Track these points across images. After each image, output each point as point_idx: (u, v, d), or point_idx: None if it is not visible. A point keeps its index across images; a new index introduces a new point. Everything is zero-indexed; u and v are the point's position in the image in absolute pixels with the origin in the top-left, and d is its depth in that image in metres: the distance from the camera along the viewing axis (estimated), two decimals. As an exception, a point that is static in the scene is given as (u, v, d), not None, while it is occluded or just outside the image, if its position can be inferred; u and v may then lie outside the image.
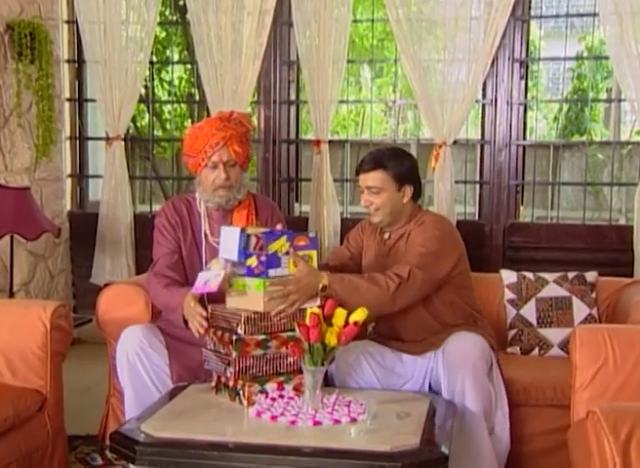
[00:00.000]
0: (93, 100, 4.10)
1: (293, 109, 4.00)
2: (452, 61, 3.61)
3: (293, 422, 1.81)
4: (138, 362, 2.22)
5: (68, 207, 4.20)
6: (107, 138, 3.96)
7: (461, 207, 3.97)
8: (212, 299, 2.14)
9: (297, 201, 4.07)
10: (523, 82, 3.72)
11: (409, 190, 2.31)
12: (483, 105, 3.78)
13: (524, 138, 3.80)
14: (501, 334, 2.64)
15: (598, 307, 2.69)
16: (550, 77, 8.21)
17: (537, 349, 2.66)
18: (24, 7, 3.75)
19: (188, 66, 5.83)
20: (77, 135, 4.22)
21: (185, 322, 2.18)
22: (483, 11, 3.57)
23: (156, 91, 4.99)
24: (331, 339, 1.88)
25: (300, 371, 1.95)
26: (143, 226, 3.91)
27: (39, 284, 3.91)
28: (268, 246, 1.99)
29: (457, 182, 3.73)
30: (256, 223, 2.40)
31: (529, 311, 2.69)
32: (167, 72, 5.27)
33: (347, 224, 3.63)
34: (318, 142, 3.74)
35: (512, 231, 3.72)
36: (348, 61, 3.90)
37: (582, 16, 4.66)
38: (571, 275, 2.73)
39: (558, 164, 5.22)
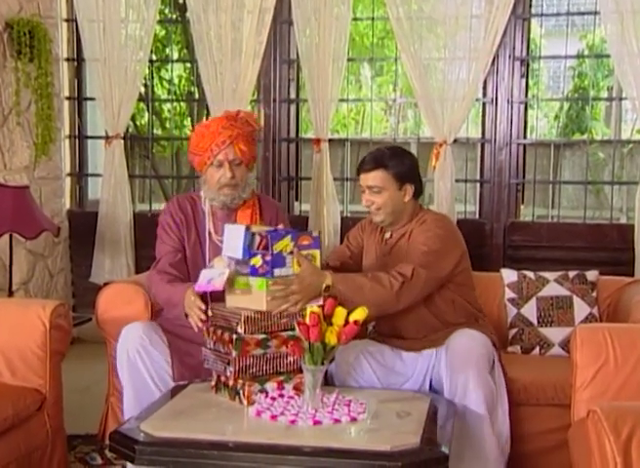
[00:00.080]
0: (92, 99, 4.09)
1: (293, 108, 3.99)
2: (452, 60, 3.60)
3: (293, 422, 1.80)
4: (138, 359, 2.21)
5: (68, 205, 4.19)
6: (107, 137, 3.95)
7: (462, 206, 3.96)
8: (214, 297, 2.14)
9: (297, 200, 4.07)
10: (524, 80, 3.72)
11: (410, 189, 2.31)
12: (483, 104, 3.77)
13: (524, 137, 3.80)
14: (502, 334, 2.64)
15: (599, 306, 2.69)
16: (551, 75, 8.21)
17: (537, 348, 2.66)
18: (24, 5, 3.75)
19: (188, 65, 5.83)
20: (76, 133, 4.21)
21: (187, 316, 2.18)
22: (484, 9, 3.56)
23: (156, 89, 4.99)
24: (331, 338, 1.88)
25: (300, 371, 1.95)
26: (143, 225, 3.92)
27: (38, 283, 3.91)
28: (274, 245, 1.99)
29: (457, 181, 3.72)
30: (260, 223, 2.39)
31: (529, 310, 2.69)
32: (166, 71, 5.27)
33: (347, 223, 3.62)
34: (318, 141, 3.73)
35: (513, 230, 3.72)
36: (348, 60, 3.89)
37: (583, 14, 4.66)
38: (571, 274, 2.73)
39: (559, 162, 5.22)
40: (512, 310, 2.72)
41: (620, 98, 4.26)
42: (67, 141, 4.18)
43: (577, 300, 2.67)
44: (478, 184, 3.90)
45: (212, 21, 3.75)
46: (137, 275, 3.37)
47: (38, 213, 3.46)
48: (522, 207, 3.92)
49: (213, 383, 2.06)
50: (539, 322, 2.67)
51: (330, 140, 3.79)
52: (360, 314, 1.91)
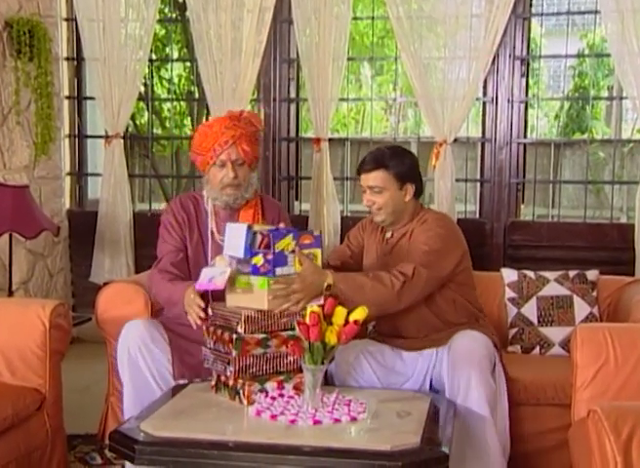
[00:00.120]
0: (92, 98, 4.09)
1: (293, 107, 3.99)
2: (452, 59, 3.60)
3: (293, 421, 1.80)
4: (139, 356, 2.21)
5: (67, 205, 4.19)
6: (106, 136, 3.95)
7: (462, 205, 3.96)
8: (215, 296, 2.14)
9: (296, 199, 4.07)
10: (524, 80, 3.71)
11: (411, 188, 2.31)
12: (484, 103, 3.77)
13: (525, 136, 3.79)
14: (502, 333, 2.64)
15: (599, 306, 2.69)
16: (551, 75, 8.20)
17: (537, 348, 2.66)
18: (23, 4, 3.74)
19: (188, 64, 5.83)
20: (76, 132, 4.21)
21: (187, 314, 2.17)
22: (484, 8, 3.56)
23: (155, 88, 4.99)
24: (331, 338, 1.87)
25: (300, 370, 1.95)
26: (143, 225, 3.91)
27: (38, 282, 3.91)
28: (275, 244, 1.99)
29: (457, 181, 3.71)
30: (262, 223, 2.39)
31: (530, 310, 2.68)
32: (166, 70, 5.26)
33: (347, 223, 3.62)
34: (318, 140, 3.73)
35: (513, 229, 3.72)
36: (348, 59, 3.89)
37: (584, 13, 4.66)
38: (572, 274, 2.72)
39: (559, 162, 5.21)
40: (512, 310, 2.71)
41: (621, 98, 4.25)
42: (67, 141, 4.18)
43: (577, 300, 2.67)
44: (478, 184, 3.89)
45: (212, 21, 3.75)
46: (136, 275, 3.37)
47: (38, 212, 3.45)
48: (522, 206, 3.91)
49: (213, 383, 2.06)
50: (539, 321, 2.67)
51: (330, 140, 3.79)
52: (360, 314, 1.91)
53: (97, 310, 2.57)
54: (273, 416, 1.83)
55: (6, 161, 3.66)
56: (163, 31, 5.28)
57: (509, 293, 2.73)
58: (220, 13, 3.73)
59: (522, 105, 3.72)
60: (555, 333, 2.65)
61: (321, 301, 2.03)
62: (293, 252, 2.03)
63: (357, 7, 5.59)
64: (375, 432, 1.76)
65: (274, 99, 3.92)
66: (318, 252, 2.08)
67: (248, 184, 2.37)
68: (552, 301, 2.68)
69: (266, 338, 1.99)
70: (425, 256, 2.20)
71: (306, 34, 3.70)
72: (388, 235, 2.39)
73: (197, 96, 4.31)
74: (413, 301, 2.21)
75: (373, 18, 4.22)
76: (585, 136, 5.90)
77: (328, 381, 2.16)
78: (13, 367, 2.22)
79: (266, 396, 1.95)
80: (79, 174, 4.25)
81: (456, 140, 3.67)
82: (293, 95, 3.98)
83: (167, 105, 5.72)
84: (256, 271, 2.00)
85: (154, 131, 5.24)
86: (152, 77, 4.43)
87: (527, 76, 3.75)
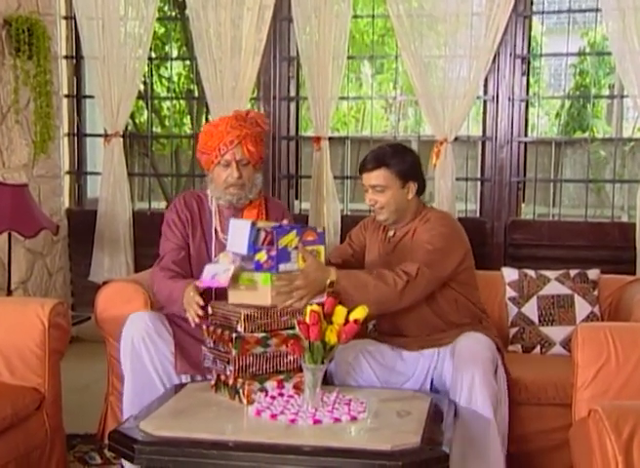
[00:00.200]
0: (91, 97, 4.08)
1: (293, 106, 3.98)
2: (453, 58, 3.59)
3: (293, 421, 1.80)
4: (142, 348, 2.21)
5: (66, 204, 4.18)
6: (106, 135, 3.94)
7: (463, 204, 3.95)
8: (219, 294, 2.13)
9: (297, 198, 4.06)
10: (525, 78, 3.70)
11: (413, 186, 2.31)
12: (484, 102, 3.76)
13: (525, 135, 3.79)
14: (503, 333, 2.63)
15: (600, 305, 2.68)
16: (552, 73, 8.19)
17: (538, 347, 2.65)
18: (22, 2, 3.73)
19: (187, 62, 5.81)
20: (75, 131, 4.20)
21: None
22: (484, 6, 3.55)
23: (155, 87, 4.98)
24: (331, 337, 1.87)
25: (300, 370, 1.94)
26: (142, 223, 3.91)
27: (37, 282, 3.90)
28: (279, 240, 1.98)
29: (458, 179, 3.71)
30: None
31: (530, 309, 2.68)
32: (166, 68, 5.26)
33: (348, 221, 3.61)
34: (318, 139, 3.72)
35: (514, 228, 3.71)
36: (349, 58, 3.89)
37: (585, 11, 4.64)
38: (573, 273, 2.72)
39: (560, 161, 5.20)
40: (513, 309, 2.71)
41: (622, 96, 4.24)
42: (66, 139, 4.17)
43: (578, 299, 2.66)
44: (479, 183, 3.88)
45: (211, 19, 3.74)
46: (136, 273, 3.37)
47: (37, 211, 3.45)
48: (523, 205, 3.90)
49: (212, 382, 2.05)
50: (540, 321, 2.66)
51: (330, 138, 3.78)
52: (360, 313, 1.90)
53: (96, 309, 2.56)
54: (273, 416, 1.82)
55: (5, 160, 3.65)
56: (162, 29, 5.26)
57: (510, 293, 2.73)
58: (220, 11, 3.72)
59: (523, 104, 3.72)
60: (556, 333, 2.64)
61: (324, 298, 2.02)
62: (296, 248, 2.02)
63: (357, 5, 5.56)
64: (375, 431, 1.76)
65: (274, 98, 3.91)
66: (321, 248, 2.08)
67: (252, 185, 2.37)
68: (553, 301, 2.67)
69: (266, 337, 1.98)
70: (429, 255, 2.20)
71: (306, 32, 3.69)
72: (391, 234, 2.38)
73: (197, 94, 4.31)
74: (413, 301, 2.20)
75: (373, 16, 4.21)
76: (586, 134, 5.89)
77: (327, 381, 2.15)
78: (12, 366, 2.21)
79: (266, 395, 1.95)
80: (78, 172, 4.24)
81: (456, 139, 3.66)
82: (293, 93, 3.97)
83: (166, 104, 5.71)
84: (259, 267, 2.00)
85: (154, 129, 5.24)
86: (152, 75, 4.43)
87: (528, 74, 3.74)
